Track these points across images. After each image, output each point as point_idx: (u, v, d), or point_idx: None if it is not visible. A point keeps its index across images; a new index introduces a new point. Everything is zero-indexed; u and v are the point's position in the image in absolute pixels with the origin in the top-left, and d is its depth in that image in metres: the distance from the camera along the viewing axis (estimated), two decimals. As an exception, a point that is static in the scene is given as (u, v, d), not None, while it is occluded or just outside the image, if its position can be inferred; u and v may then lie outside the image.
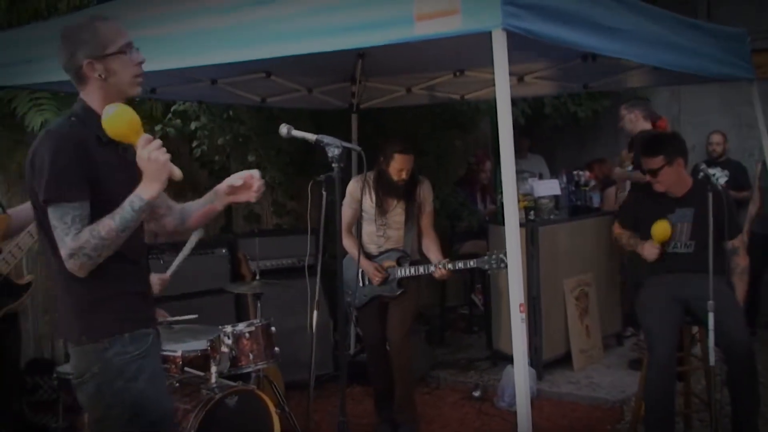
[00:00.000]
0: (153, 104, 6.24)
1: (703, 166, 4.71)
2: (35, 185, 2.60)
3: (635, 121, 6.36)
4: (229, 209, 6.86)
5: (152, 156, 2.56)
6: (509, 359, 6.14)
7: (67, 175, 2.54)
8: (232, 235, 6.49)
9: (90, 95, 2.72)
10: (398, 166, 4.91)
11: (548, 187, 6.68)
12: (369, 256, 5.08)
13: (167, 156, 2.59)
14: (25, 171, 2.67)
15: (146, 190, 2.58)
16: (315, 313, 5.28)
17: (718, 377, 4.31)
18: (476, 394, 5.96)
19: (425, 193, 5.10)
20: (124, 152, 2.71)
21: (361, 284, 5.09)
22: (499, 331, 6.50)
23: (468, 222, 7.65)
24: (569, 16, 3.27)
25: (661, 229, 4.49)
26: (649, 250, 4.55)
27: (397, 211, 5.05)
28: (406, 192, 5.03)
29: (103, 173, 2.62)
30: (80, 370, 2.71)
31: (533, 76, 5.80)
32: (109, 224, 2.55)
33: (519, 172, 5.24)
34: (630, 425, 4.87)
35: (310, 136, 2.69)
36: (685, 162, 4.59)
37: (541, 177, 7.20)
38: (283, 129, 2.75)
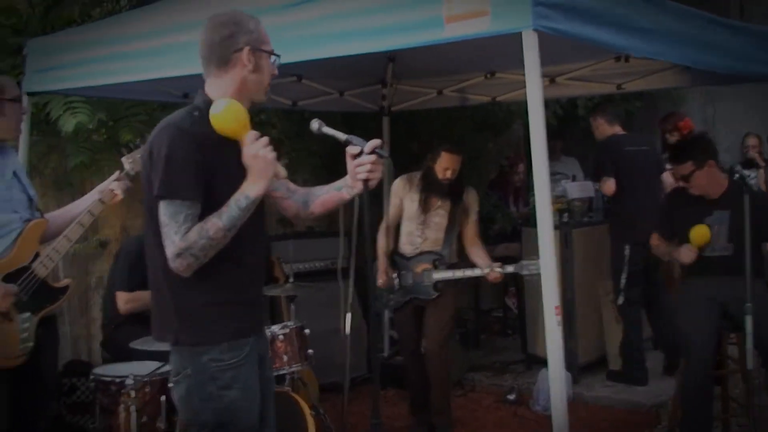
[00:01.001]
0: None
1: (738, 167, 4.64)
2: (152, 177, 2.56)
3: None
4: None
5: (259, 153, 2.52)
6: (544, 362, 6.06)
7: (182, 172, 2.50)
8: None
9: (220, 84, 2.66)
10: (444, 165, 4.92)
11: (582, 189, 6.64)
12: (403, 257, 5.08)
13: (274, 153, 2.56)
14: (142, 161, 2.66)
15: (252, 188, 2.53)
16: (348, 315, 5.30)
17: (756, 381, 4.24)
18: (511, 397, 5.92)
19: (471, 201, 5.09)
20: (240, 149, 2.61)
21: (397, 286, 5.08)
22: (533, 335, 6.46)
23: (501, 225, 7.61)
24: (600, 15, 3.25)
25: (700, 233, 4.38)
26: (686, 253, 4.44)
27: (439, 213, 5.03)
28: (452, 196, 5.01)
29: (220, 172, 2.57)
30: (175, 370, 2.69)
31: (565, 77, 5.77)
32: (216, 224, 2.50)
33: (552, 174, 5.20)
34: (667, 430, 4.81)
35: (341, 135, 2.66)
36: (717, 162, 4.51)
37: (574, 179, 7.16)
38: (314, 124, 2.71)
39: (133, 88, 4.83)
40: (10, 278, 3.45)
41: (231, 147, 2.58)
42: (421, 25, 3.02)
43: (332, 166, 6.97)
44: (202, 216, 2.53)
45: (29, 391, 3.56)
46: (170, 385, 2.74)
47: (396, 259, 5.12)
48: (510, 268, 4.82)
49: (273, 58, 2.72)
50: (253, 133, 2.55)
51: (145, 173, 2.64)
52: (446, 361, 5.09)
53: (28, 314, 3.50)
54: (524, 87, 2.85)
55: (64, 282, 3.73)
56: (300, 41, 3.45)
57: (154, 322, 2.76)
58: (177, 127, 2.57)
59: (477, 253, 5.06)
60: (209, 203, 2.54)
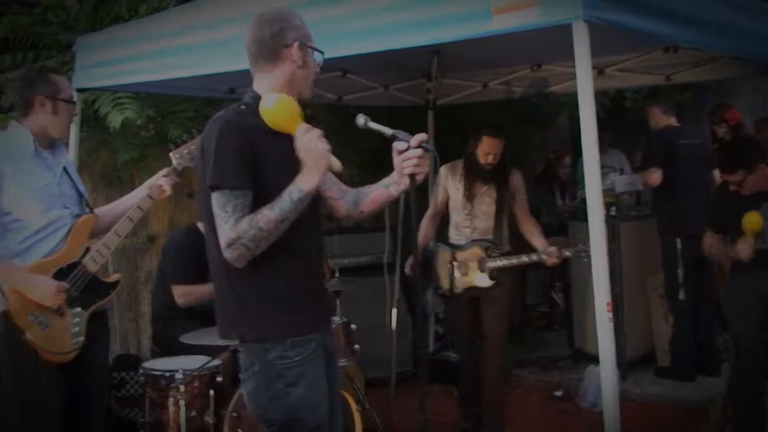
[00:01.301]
0: (230, 104, 6.31)
1: None
2: (204, 171, 2.60)
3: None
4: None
5: (311, 145, 2.52)
6: (591, 358, 6.05)
7: (230, 163, 2.52)
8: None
9: (269, 79, 2.69)
10: (486, 149, 4.87)
11: (629, 183, 6.55)
12: (455, 247, 5.04)
13: (327, 146, 2.54)
14: (196, 158, 2.70)
15: (305, 181, 2.53)
16: (394, 311, 5.29)
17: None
18: (558, 393, 5.88)
19: (517, 183, 5.02)
20: (291, 141, 2.60)
21: (457, 275, 5.02)
22: (580, 330, 6.40)
23: (547, 218, 7.55)
24: (650, 5, 3.20)
25: (753, 220, 4.28)
26: (743, 247, 4.33)
27: (485, 200, 4.97)
28: (497, 180, 4.95)
29: (270, 164, 2.58)
30: (244, 367, 2.70)
31: (614, 68, 5.69)
32: (267, 215, 2.50)
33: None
34: (717, 426, 4.73)
35: (387, 130, 2.64)
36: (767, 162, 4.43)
37: (621, 172, 7.07)
38: (360, 119, 2.69)
39: (180, 84, 4.87)
40: (61, 274, 3.49)
41: (282, 139, 2.58)
42: (468, 17, 2.99)
43: (377, 161, 6.96)
44: (255, 208, 2.53)
45: (82, 386, 3.60)
46: (241, 380, 2.74)
47: (448, 249, 5.07)
48: (567, 252, 4.78)
49: (317, 54, 2.74)
50: (305, 126, 2.54)
51: (199, 170, 2.67)
52: (504, 354, 5.02)
53: (78, 309, 3.53)
54: (571, 79, 2.82)
55: (114, 277, 3.76)
56: (346, 35, 3.44)
57: (218, 318, 2.78)
58: (225, 119, 2.60)
59: (532, 231, 5.00)
60: (261, 194, 2.55)
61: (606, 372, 2.81)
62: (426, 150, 2.63)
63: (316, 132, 2.54)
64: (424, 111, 6.63)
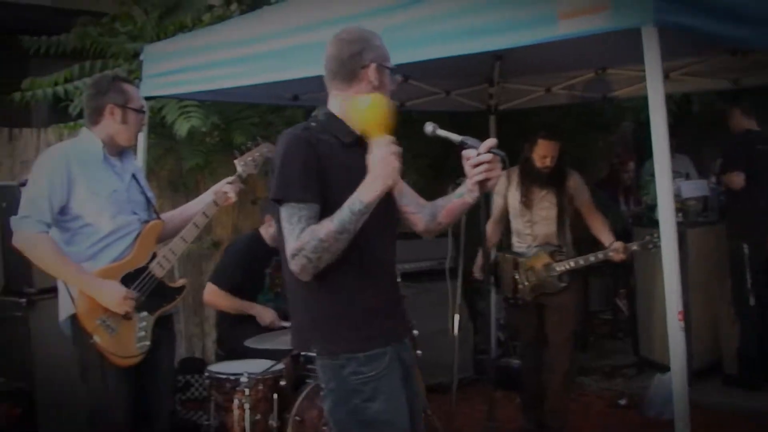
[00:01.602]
0: (295, 111, 6.37)
1: None
2: (272, 184, 2.64)
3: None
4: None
5: (387, 158, 2.50)
6: (656, 366, 5.96)
7: (296, 176, 2.55)
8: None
9: (343, 97, 2.70)
10: (542, 152, 4.83)
11: (696, 188, 6.45)
12: (518, 255, 5.00)
13: (398, 164, 2.52)
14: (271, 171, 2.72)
15: (366, 192, 2.50)
16: (457, 316, 5.27)
17: None
18: (622, 402, 5.79)
19: (576, 184, 4.97)
20: (364, 156, 2.58)
21: (523, 282, 4.97)
22: (645, 337, 6.30)
23: (611, 224, 7.44)
24: (720, 8, 3.12)
25: None
26: None
27: (544, 205, 4.93)
28: (555, 184, 4.90)
29: (338, 177, 2.58)
30: (323, 382, 2.72)
31: (680, 72, 5.58)
32: (327, 226, 2.50)
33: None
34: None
35: (455, 137, 2.63)
36: None
37: (688, 177, 6.95)
38: (429, 127, 2.68)
39: (244, 92, 4.91)
40: (129, 278, 3.55)
41: (350, 154, 2.60)
42: (533, 22, 2.96)
43: (438, 166, 6.96)
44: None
45: (148, 389, 3.65)
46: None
47: (514, 257, 5.03)
48: (635, 246, 4.74)
49: (393, 73, 2.76)
50: (388, 138, 2.53)
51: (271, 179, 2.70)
52: (570, 360, 4.97)
53: (145, 313, 3.59)
54: (637, 83, 2.77)
55: (180, 282, 3.81)
56: (410, 42, 3.43)
57: (292, 331, 2.81)
58: (292, 134, 2.63)
59: (599, 228, 4.95)
60: (326, 209, 2.55)
61: (677, 381, 2.75)
62: (496, 155, 2.61)
63: (396, 149, 2.52)
64: (486, 116, 6.60)
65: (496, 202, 5.01)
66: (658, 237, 4.44)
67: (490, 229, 5.04)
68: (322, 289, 2.61)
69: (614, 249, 4.74)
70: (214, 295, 4.89)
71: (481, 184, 2.66)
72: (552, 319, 4.93)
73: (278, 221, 2.65)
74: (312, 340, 2.70)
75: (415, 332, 4.71)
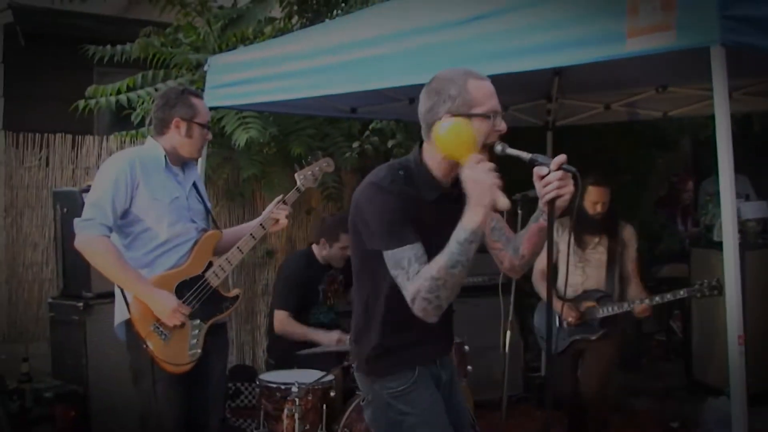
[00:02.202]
0: (352, 123, 6.41)
1: None
2: (360, 228, 2.65)
3: None
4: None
5: (479, 177, 2.43)
6: (709, 390, 5.83)
7: (393, 223, 2.54)
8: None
9: (429, 149, 2.65)
10: (593, 199, 4.75)
11: (756, 209, 6.32)
12: (563, 299, 4.87)
13: (496, 180, 2.44)
14: (350, 209, 2.71)
15: (469, 218, 2.45)
16: (508, 333, 5.22)
17: None
18: (675, 425, 5.69)
19: (629, 236, 4.89)
20: (446, 210, 2.57)
21: (557, 325, 4.86)
22: (700, 360, 6.17)
23: (667, 244, 7.34)
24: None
25: None
26: None
27: (598, 250, 4.86)
28: (608, 230, 4.84)
29: (419, 233, 2.55)
30: (363, 393, 2.86)
31: (742, 92, 5.49)
32: (438, 262, 2.45)
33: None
34: None
35: (525, 155, 2.56)
36: None
37: (747, 198, 6.81)
38: (498, 146, 2.60)
39: (302, 104, 4.96)
40: (184, 286, 3.59)
41: (429, 211, 2.59)
42: (601, 39, 2.94)
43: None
44: None
45: (199, 396, 3.68)
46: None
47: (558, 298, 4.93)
48: (681, 293, 4.61)
49: (494, 116, 2.59)
50: (477, 157, 2.48)
51: (353, 225, 2.70)
52: (605, 399, 4.89)
53: (198, 322, 3.62)
54: (697, 102, 2.72)
55: (234, 292, 3.84)
56: (470, 58, 3.42)
57: (351, 339, 2.90)
58: (378, 186, 2.61)
59: (632, 290, 4.86)
60: None
61: (737, 405, 2.71)
62: (567, 171, 2.51)
63: (487, 165, 2.46)
64: (543, 132, 6.55)
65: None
66: (708, 287, 4.41)
67: (541, 279, 4.89)
68: (374, 312, 2.67)
69: (639, 310, 4.67)
70: (285, 324, 4.91)
71: (551, 202, 2.55)
72: (589, 363, 4.83)
73: (356, 251, 2.73)
74: (353, 355, 2.83)
75: (466, 348, 4.69)
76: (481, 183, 2.43)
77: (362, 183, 2.69)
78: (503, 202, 2.45)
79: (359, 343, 2.79)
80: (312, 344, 4.63)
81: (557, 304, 4.66)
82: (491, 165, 2.46)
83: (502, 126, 2.60)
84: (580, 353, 4.88)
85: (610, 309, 4.74)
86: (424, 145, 2.68)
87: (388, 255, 2.55)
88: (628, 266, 4.90)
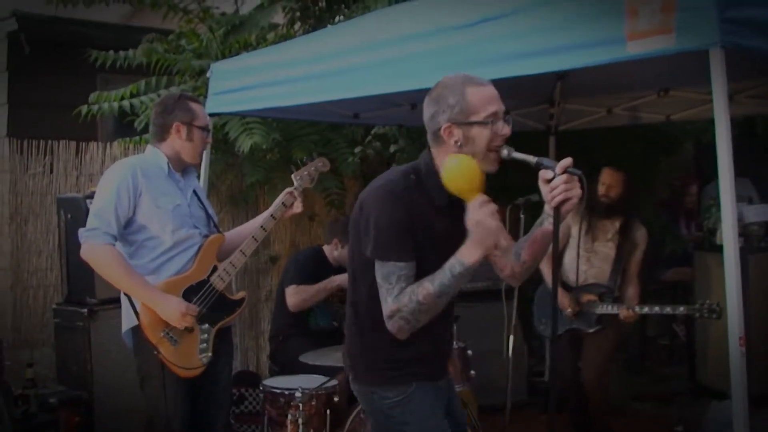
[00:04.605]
0: (354, 129, 6.42)
1: None
2: (361, 235, 2.62)
3: None
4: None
5: (483, 219, 2.44)
6: (713, 393, 5.82)
7: (393, 237, 2.53)
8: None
9: (441, 156, 2.62)
10: (604, 180, 4.85)
11: (758, 213, 6.31)
12: (567, 287, 4.95)
13: (498, 223, 2.46)
14: (353, 215, 2.71)
15: (468, 255, 2.47)
16: (511, 337, 5.22)
17: None
18: (678, 429, 5.67)
19: (640, 238, 4.94)
20: (458, 219, 2.54)
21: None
22: (702, 364, 6.16)
23: (671, 248, 7.34)
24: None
25: None
26: None
27: (607, 244, 4.91)
28: (621, 229, 4.90)
29: (424, 239, 2.57)
30: (362, 405, 2.88)
31: (744, 95, 5.49)
32: (427, 288, 2.49)
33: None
34: None
35: (531, 158, 2.56)
36: None
37: (750, 202, 6.81)
38: (504, 151, 2.61)
39: (305, 110, 4.98)
40: (191, 291, 3.62)
41: (440, 217, 2.58)
42: (601, 43, 2.95)
43: (497, 188, 6.92)
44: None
45: (206, 400, 3.71)
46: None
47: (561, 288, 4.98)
48: (681, 309, 4.69)
49: (494, 119, 2.57)
50: (483, 198, 2.47)
51: (355, 225, 2.69)
52: (605, 395, 4.95)
53: (206, 326, 3.65)
54: (699, 105, 2.73)
55: (239, 294, 3.87)
56: (473, 61, 3.43)
57: (344, 356, 2.89)
58: (389, 191, 2.59)
59: (629, 291, 4.91)
60: (419, 268, 2.56)
61: (738, 408, 2.71)
62: (572, 174, 2.50)
63: (492, 207, 2.46)
64: (546, 137, 6.56)
65: (561, 231, 4.92)
66: (707, 309, 4.42)
67: (548, 264, 4.94)
68: (372, 327, 2.65)
69: (625, 316, 4.70)
70: (297, 293, 4.98)
71: (557, 206, 2.53)
72: (587, 354, 4.91)
73: (354, 258, 2.71)
74: (350, 368, 2.81)
75: (469, 352, 4.70)
76: (485, 226, 2.44)
77: (372, 185, 2.67)
78: (504, 245, 2.51)
79: (355, 353, 2.78)
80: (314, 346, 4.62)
81: (563, 295, 4.78)
82: (495, 207, 2.46)
83: (506, 130, 2.59)
84: (579, 342, 4.93)
85: (609, 308, 4.79)
86: (433, 150, 2.67)
87: (380, 265, 2.56)
88: (632, 267, 4.94)
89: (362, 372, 2.77)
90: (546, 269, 4.92)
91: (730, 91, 5.33)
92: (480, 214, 2.44)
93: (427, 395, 2.74)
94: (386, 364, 2.70)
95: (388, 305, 2.53)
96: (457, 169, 2.49)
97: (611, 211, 4.88)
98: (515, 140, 2.65)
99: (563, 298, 4.85)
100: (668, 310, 4.69)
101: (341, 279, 4.93)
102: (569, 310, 4.85)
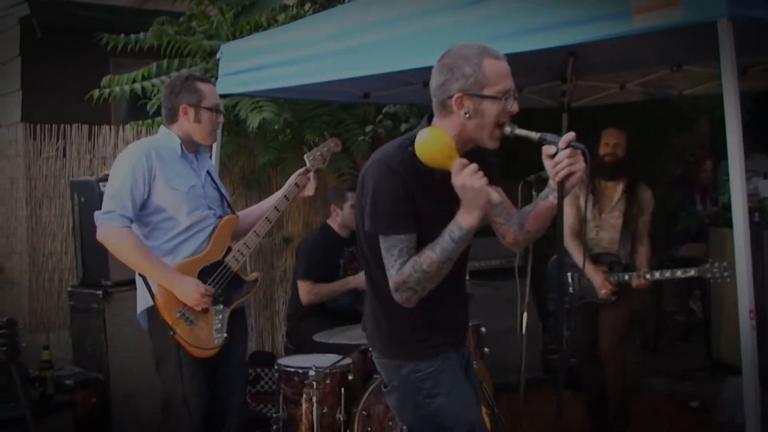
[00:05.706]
0: (365, 108, 6.41)
1: None
2: (363, 210, 2.63)
3: None
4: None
5: (467, 182, 2.43)
6: (729, 369, 5.80)
7: (391, 209, 2.55)
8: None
9: (442, 126, 2.60)
10: (606, 140, 4.84)
11: (776, 187, 6.27)
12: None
13: (483, 181, 2.44)
14: (357, 191, 2.70)
15: (465, 219, 2.49)
16: (525, 314, 5.23)
17: None
18: (694, 405, 5.67)
19: (646, 200, 4.90)
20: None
21: (570, 288, 4.95)
22: (719, 340, 6.15)
23: (685, 224, 7.29)
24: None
25: None
26: None
27: (614, 214, 4.88)
28: (627, 189, 4.87)
29: (426, 206, 2.57)
30: (386, 380, 2.83)
31: (759, 68, 5.43)
32: (430, 256, 2.51)
33: (743, 171, 4.95)
34: None
35: (533, 135, 2.54)
36: None
37: (766, 177, 6.76)
38: (507, 128, 2.59)
39: (317, 89, 4.97)
40: (206, 272, 3.64)
41: (446, 184, 2.54)
42: (608, 17, 2.94)
43: (509, 165, 6.90)
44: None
45: (221, 380, 3.74)
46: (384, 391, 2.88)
47: (569, 260, 4.97)
48: (692, 272, 4.58)
49: (506, 96, 2.55)
50: (460, 162, 2.46)
51: (358, 202, 2.70)
52: (622, 365, 4.94)
53: (221, 306, 3.67)
54: (713, 80, 2.71)
55: (253, 275, 3.89)
56: (481, 38, 3.40)
57: (368, 333, 2.89)
58: (385, 164, 2.59)
59: (641, 252, 4.87)
60: (420, 236, 2.57)
61: (749, 381, 2.70)
62: (576, 149, 2.47)
63: (472, 168, 2.45)
64: (559, 113, 6.53)
65: (573, 205, 4.91)
66: (718, 268, 4.38)
67: (573, 244, 4.90)
68: (390, 300, 2.63)
69: (637, 284, 4.66)
70: (310, 290, 5.02)
71: (561, 181, 2.50)
72: (605, 323, 4.89)
73: (360, 235, 2.72)
74: (377, 342, 2.80)
75: (483, 330, 4.70)
76: (470, 187, 2.44)
77: (370, 160, 2.67)
78: (495, 196, 2.47)
79: (380, 326, 2.78)
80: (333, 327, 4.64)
81: (596, 273, 4.71)
82: (474, 166, 2.44)
83: (514, 107, 2.57)
84: (594, 314, 4.91)
85: (620, 277, 4.76)
86: (435, 119, 2.65)
87: (382, 239, 2.57)
88: (640, 228, 4.91)
89: (388, 346, 2.78)
90: (571, 243, 4.88)
91: (744, 65, 5.35)
92: (462, 177, 2.44)
93: (454, 365, 2.77)
94: (412, 337, 2.71)
95: (392, 278, 2.55)
96: (427, 141, 2.49)
97: (616, 171, 4.85)
98: (527, 117, 2.64)
99: (596, 277, 4.76)
100: (679, 273, 4.64)
101: (356, 281, 4.96)
102: (604, 291, 4.74)
